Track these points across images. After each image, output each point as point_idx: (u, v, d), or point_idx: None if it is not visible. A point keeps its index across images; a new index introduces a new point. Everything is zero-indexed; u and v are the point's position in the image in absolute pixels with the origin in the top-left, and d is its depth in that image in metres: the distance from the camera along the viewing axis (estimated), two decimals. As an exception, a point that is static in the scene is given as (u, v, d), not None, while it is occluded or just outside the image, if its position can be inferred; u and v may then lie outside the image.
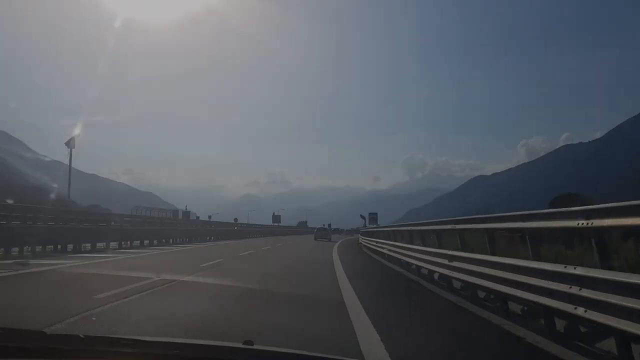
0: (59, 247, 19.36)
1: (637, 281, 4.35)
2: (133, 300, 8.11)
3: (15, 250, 16.99)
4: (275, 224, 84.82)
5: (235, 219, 68.32)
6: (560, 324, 6.06)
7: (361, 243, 35.47)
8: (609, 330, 5.02)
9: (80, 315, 6.62)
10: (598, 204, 6.07)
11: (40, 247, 18.21)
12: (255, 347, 2.29)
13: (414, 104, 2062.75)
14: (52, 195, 24.84)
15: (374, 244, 25.79)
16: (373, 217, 61.54)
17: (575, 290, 5.11)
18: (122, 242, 24.48)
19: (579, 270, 5.20)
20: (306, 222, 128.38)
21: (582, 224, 5.35)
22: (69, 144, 23.54)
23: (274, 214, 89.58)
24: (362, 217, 71.63)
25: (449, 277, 9.74)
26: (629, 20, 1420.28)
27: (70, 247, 20.06)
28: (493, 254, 8.04)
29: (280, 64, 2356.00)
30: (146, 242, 27.08)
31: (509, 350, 6.15)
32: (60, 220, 20.83)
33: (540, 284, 5.85)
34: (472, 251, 9.30)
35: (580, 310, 5.04)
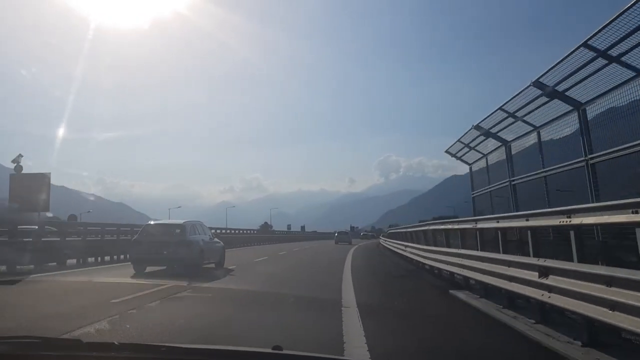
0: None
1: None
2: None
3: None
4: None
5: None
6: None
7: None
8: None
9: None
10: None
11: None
12: (284, 352, 2.26)
13: (386, 107, 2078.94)
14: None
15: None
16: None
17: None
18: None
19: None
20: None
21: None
22: (16, 161, 19.98)
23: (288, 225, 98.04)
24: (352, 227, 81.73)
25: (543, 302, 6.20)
26: (605, 17, 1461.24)
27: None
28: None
29: (253, 70, 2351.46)
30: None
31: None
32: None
33: None
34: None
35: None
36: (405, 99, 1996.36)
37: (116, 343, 2.29)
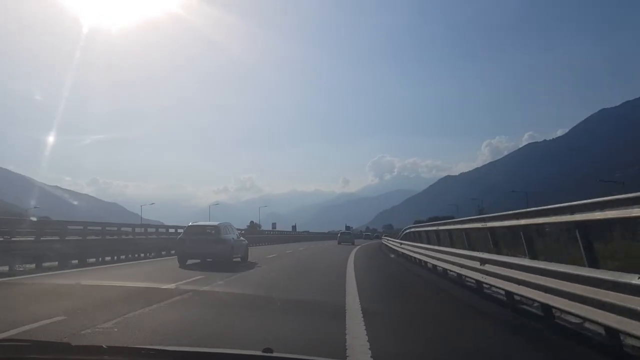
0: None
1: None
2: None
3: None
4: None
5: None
6: None
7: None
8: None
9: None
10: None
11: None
12: (274, 354, 2.26)
13: (380, 108, 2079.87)
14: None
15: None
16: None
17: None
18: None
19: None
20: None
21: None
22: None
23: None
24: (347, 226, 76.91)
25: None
26: (587, 19, 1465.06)
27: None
28: None
29: (247, 71, 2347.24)
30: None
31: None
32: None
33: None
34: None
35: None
36: (399, 100, 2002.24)
37: (105, 346, 2.36)
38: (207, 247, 18.25)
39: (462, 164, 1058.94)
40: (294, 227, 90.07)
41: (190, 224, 20.49)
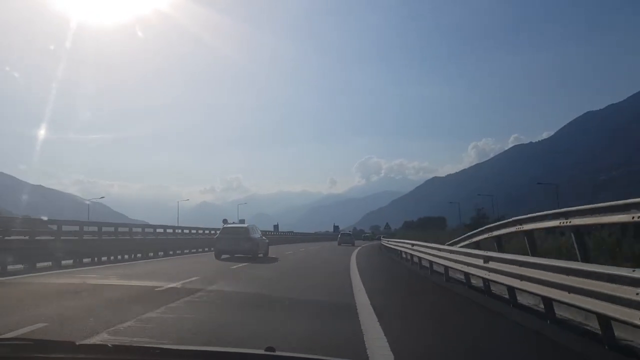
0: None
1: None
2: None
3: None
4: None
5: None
6: None
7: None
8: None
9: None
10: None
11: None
12: (277, 353, 2.28)
13: (368, 109, 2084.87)
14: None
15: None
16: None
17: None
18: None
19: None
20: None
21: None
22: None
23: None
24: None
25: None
26: (573, 23, 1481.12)
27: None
28: None
29: (235, 70, 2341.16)
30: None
31: None
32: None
33: None
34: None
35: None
36: (386, 101, 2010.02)
37: (109, 345, 2.33)
38: (238, 245, 22.41)
39: (448, 166, 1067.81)
40: (276, 227, 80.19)
41: (224, 225, 24.85)
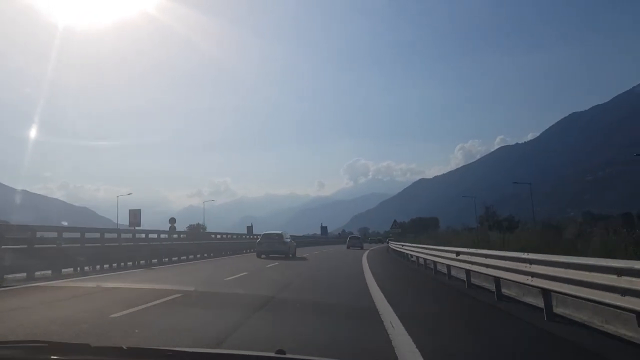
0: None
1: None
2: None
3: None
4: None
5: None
6: None
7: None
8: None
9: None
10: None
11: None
12: (287, 356, 2.28)
13: (355, 111, 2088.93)
14: None
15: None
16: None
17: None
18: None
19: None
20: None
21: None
22: None
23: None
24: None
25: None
26: (558, 24, 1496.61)
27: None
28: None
29: (222, 73, 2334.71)
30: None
31: None
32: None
33: None
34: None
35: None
36: (374, 104, 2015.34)
37: (125, 347, 2.36)
38: (274, 247, 28.68)
39: (436, 168, 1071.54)
40: (249, 229, 59.34)
41: (264, 232, 31.27)
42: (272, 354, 2.32)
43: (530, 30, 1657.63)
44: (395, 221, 50.78)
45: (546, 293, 7.46)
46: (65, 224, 21.44)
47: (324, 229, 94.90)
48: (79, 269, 16.85)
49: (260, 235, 32.09)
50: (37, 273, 14.60)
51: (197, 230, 57.63)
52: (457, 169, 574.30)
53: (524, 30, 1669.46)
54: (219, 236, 40.12)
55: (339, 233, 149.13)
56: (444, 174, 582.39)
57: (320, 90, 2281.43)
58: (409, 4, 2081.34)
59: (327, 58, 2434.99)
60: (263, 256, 27.76)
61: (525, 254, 8.35)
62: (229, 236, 41.88)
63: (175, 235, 33.86)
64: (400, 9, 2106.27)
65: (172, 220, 36.02)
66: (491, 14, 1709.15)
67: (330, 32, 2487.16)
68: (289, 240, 30.41)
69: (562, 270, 6.81)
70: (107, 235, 23.28)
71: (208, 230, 63.57)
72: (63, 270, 15.82)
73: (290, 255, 29.01)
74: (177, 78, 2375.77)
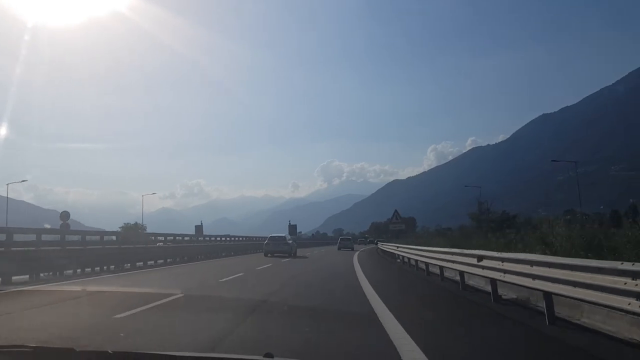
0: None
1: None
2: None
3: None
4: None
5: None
6: None
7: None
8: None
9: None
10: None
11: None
12: (275, 359, 2.28)
13: (330, 113, 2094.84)
14: None
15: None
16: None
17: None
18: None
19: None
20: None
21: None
22: None
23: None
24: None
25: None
26: (527, 25, 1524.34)
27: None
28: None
29: (194, 74, 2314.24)
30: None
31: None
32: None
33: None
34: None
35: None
36: (348, 105, 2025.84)
37: (110, 351, 2.30)
38: (279, 247, 33.00)
39: (409, 169, 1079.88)
40: (198, 229, 51.64)
41: (270, 235, 35.58)
42: (260, 357, 2.30)
43: (502, 32, 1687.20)
44: (396, 211, 38.26)
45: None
46: (47, 226, 20.71)
47: (292, 227, 73.72)
48: (58, 273, 16.26)
49: (237, 236, 41.35)
50: (15, 277, 14.06)
51: (134, 232, 48.29)
52: (430, 170, 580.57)
53: (495, 32, 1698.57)
54: (161, 238, 31.62)
55: (313, 234, 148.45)
56: (417, 175, 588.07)
57: (295, 91, 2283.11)
58: (382, 6, 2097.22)
59: (301, 59, 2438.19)
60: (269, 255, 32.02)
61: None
62: (178, 238, 32.87)
63: (97, 238, 23.80)
64: (373, 11, 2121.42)
65: (64, 216, 24.44)
66: (462, 16, 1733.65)
67: (303, 34, 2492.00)
68: (291, 241, 35.47)
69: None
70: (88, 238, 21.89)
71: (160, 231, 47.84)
72: (41, 274, 15.26)
73: (293, 255, 33.58)
74: (149, 79, 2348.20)
